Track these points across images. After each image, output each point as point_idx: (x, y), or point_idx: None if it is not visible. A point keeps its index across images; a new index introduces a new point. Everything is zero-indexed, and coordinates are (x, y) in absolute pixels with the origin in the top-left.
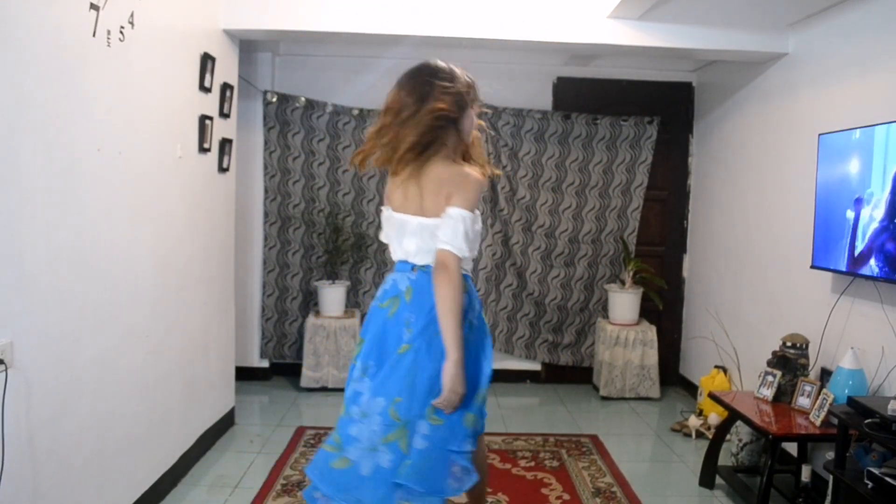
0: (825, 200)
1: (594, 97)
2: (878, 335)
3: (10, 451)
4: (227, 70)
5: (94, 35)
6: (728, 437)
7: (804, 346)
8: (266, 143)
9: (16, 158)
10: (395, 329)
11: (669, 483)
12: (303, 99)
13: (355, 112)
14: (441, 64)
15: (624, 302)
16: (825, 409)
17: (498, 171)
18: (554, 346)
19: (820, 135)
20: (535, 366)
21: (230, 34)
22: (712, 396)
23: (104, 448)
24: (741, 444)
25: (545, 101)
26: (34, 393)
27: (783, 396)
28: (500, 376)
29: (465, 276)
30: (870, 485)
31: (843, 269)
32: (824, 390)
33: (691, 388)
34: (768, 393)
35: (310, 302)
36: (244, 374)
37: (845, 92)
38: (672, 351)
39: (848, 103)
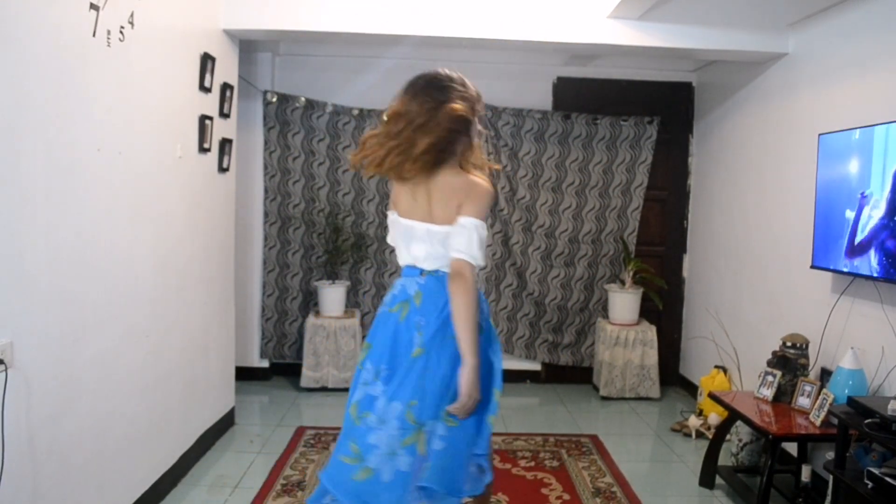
0: (825, 200)
1: (594, 97)
2: (878, 335)
3: (10, 451)
4: (227, 70)
5: (94, 35)
6: (728, 437)
7: (804, 346)
8: (266, 143)
9: (16, 158)
10: (406, 333)
11: (669, 483)
12: (303, 99)
13: (355, 112)
14: (452, 73)
15: (624, 302)
16: (825, 409)
17: (497, 166)
18: (554, 346)
19: (820, 135)
20: (535, 366)
21: (230, 34)
22: (712, 396)
23: (104, 448)
24: (741, 444)
25: (545, 101)
26: (34, 393)
27: (783, 396)
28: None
29: None
30: (870, 485)
31: (843, 257)
32: (824, 390)
33: (691, 388)
34: (768, 393)
35: (310, 302)
36: (244, 374)
37: (845, 92)
38: (672, 351)
39: (848, 103)
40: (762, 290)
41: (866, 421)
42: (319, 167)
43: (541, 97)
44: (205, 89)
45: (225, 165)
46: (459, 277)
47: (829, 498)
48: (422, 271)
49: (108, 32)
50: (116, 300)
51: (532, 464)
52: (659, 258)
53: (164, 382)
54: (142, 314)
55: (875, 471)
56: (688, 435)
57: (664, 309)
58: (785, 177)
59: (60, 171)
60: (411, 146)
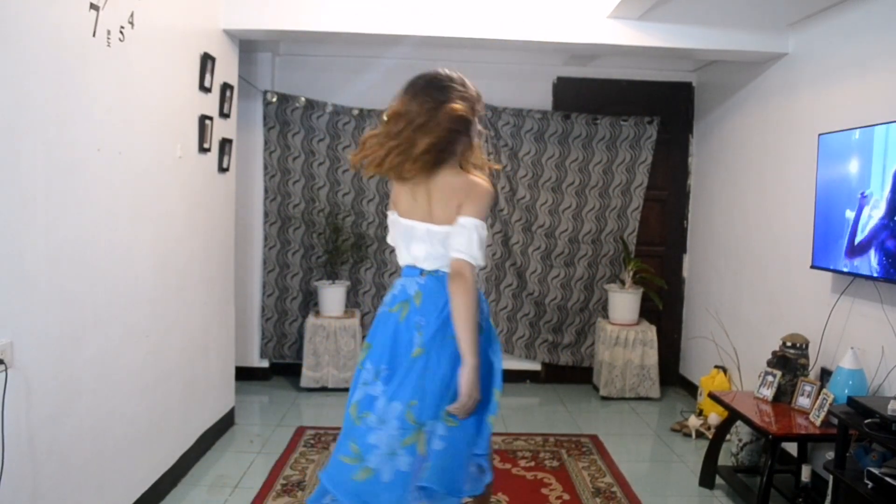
0: (825, 200)
1: (594, 97)
2: (878, 335)
3: (10, 451)
4: (227, 70)
5: (94, 35)
6: (728, 437)
7: (804, 346)
8: (266, 143)
9: (16, 158)
10: (406, 333)
11: (669, 483)
12: (303, 99)
13: (355, 112)
14: (452, 73)
15: (624, 302)
16: (825, 409)
17: (497, 166)
18: (554, 346)
19: (820, 135)
20: (535, 366)
21: (230, 34)
22: (712, 396)
23: (104, 448)
24: (741, 444)
25: (545, 101)
26: (34, 393)
27: (783, 396)
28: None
29: None
30: (870, 485)
31: (843, 257)
32: (824, 390)
33: (691, 388)
34: (768, 393)
35: (310, 302)
36: (244, 374)
37: (845, 92)
38: (672, 351)
39: (848, 103)
40: (762, 290)
41: (866, 421)
42: (319, 167)
43: (541, 97)
44: (205, 89)
45: (225, 165)
46: (459, 277)
47: (829, 498)
48: (422, 271)
49: (108, 32)
50: (116, 300)
51: (532, 464)
52: (659, 258)
53: (164, 382)
54: (142, 314)
55: (875, 471)
56: (688, 435)
57: (664, 309)
58: (785, 177)
59: (60, 171)
60: (411, 146)
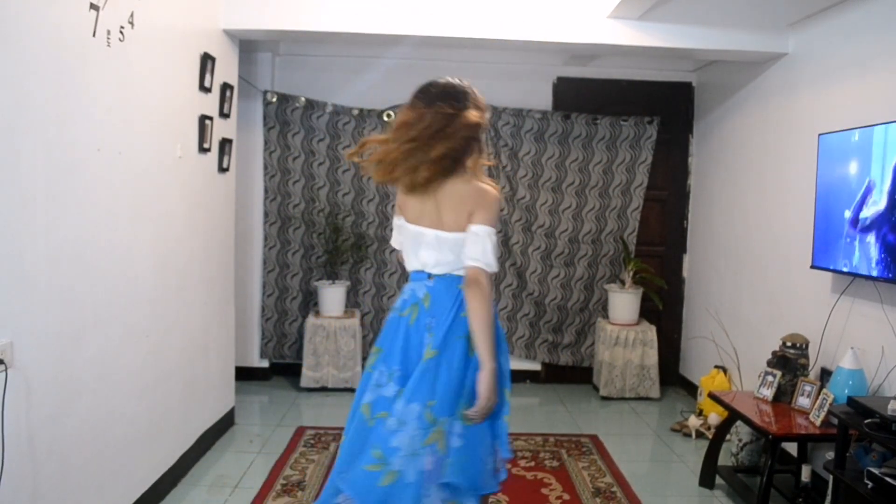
0: (825, 200)
1: (594, 97)
2: (878, 335)
3: (10, 451)
4: (227, 70)
5: (94, 35)
6: (728, 437)
7: (804, 346)
8: (266, 143)
9: (16, 158)
10: (416, 335)
11: (669, 483)
12: (303, 99)
13: (355, 112)
14: (462, 81)
15: (624, 302)
16: (825, 409)
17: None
18: (554, 346)
19: (820, 135)
20: (535, 366)
21: (230, 34)
22: (712, 396)
23: (104, 448)
24: (741, 444)
25: (545, 101)
26: (34, 393)
27: (783, 396)
28: None
29: None
30: (870, 485)
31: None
32: (824, 390)
33: (691, 388)
34: (768, 393)
35: (310, 302)
36: (244, 374)
37: (845, 92)
38: (672, 351)
39: (848, 103)
40: (762, 290)
41: (866, 421)
42: (319, 167)
43: (541, 97)
44: (205, 89)
45: (225, 165)
46: (476, 285)
47: (829, 498)
48: (430, 275)
49: (108, 32)
50: (116, 300)
51: (532, 464)
52: (659, 258)
53: (164, 382)
54: (142, 314)
55: (875, 471)
56: (688, 435)
57: (664, 309)
58: (785, 177)
59: (60, 171)
60: (427, 153)
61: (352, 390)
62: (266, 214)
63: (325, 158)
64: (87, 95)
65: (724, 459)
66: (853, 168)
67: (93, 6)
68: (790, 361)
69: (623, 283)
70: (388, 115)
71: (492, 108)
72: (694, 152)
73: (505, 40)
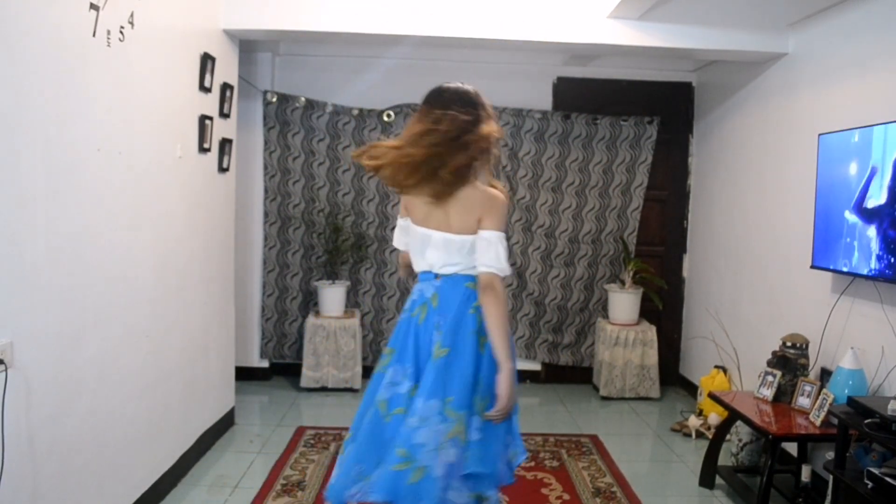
0: (825, 200)
1: (594, 97)
2: (878, 335)
3: (10, 451)
4: (227, 70)
5: (94, 35)
6: (728, 437)
7: (804, 346)
8: (266, 143)
9: (16, 158)
10: (426, 334)
11: (669, 483)
12: (303, 99)
13: (355, 112)
14: (470, 87)
15: (624, 302)
16: (825, 409)
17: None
18: (554, 346)
19: (820, 135)
20: (535, 366)
21: (230, 34)
22: (712, 396)
23: (104, 448)
24: (741, 444)
25: (545, 101)
26: (34, 393)
27: (783, 396)
28: None
29: None
30: (870, 485)
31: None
32: (824, 390)
33: (691, 388)
34: (768, 393)
35: (310, 302)
36: (244, 374)
37: (845, 92)
38: (672, 351)
39: (848, 103)
40: (762, 290)
41: (866, 421)
42: (319, 167)
43: (541, 97)
44: (205, 89)
45: (225, 165)
46: (491, 290)
47: (829, 498)
48: (437, 275)
49: (108, 32)
50: (116, 300)
51: (532, 464)
52: (659, 258)
53: (164, 382)
54: (142, 314)
55: (875, 471)
56: (688, 435)
57: (664, 309)
58: (785, 177)
59: (60, 170)
60: (446, 160)
61: (352, 390)
62: (266, 214)
63: (325, 158)
64: (87, 95)
65: (724, 459)
66: (853, 168)
67: (93, 6)
68: (790, 361)
69: (623, 283)
70: (388, 115)
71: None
72: (694, 152)
73: (505, 40)
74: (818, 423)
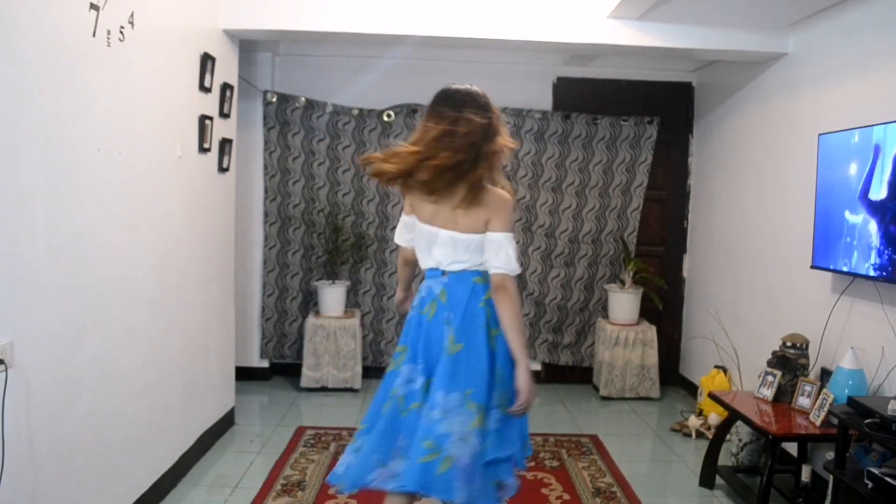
0: (825, 200)
1: (594, 97)
2: (878, 335)
3: (10, 451)
4: (227, 70)
5: (94, 35)
6: (728, 437)
7: (804, 346)
8: (266, 143)
9: (16, 158)
10: (437, 330)
11: (669, 483)
12: (303, 99)
13: (355, 112)
14: (477, 87)
15: (624, 302)
16: (825, 409)
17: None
18: (554, 346)
19: (820, 135)
20: (535, 366)
21: (230, 34)
22: (712, 396)
23: (104, 448)
24: (741, 444)
25: (545, 101)
26: (34, 393)
27: (783, 396)
28: None
29: (489, 287)
30: (870, 485)
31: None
32: (824, 390)
33: (691, 388)
34: (768, 393)
35: (310, 302)
36: (244, 374)
37: (845, 92)
38: (672, 351)
39: (848, 103)
40: (762, 290)
41: (866, 421)
42: (319, 167)
43: (541, 97)
44: (205, 89)
45: (225, 165)
46: (503, 290)
47: (829, 498)
48: (444, 272)
49: (108, 32)
50: (116, 300)
51: (532, 464)
52: (659, 258)
53: (164, 382)
54: (142, 314)
55: (875, 471)
56: (688, 435)
57: (664, 309)
58: (785, 177)
59: (60, 170)
60: (467, 168)
61: (352, 390)
62: (266, 214)
63: (325, 158)
64: (87, 95)
65: (724, 459)
66: (853, 168)
67: (93, 6)
68: (790, 361)
69: (623, 283)
70: (388, 115)
71: None
72: (694, 152)
73: (505, 40)
74: (818, 423)
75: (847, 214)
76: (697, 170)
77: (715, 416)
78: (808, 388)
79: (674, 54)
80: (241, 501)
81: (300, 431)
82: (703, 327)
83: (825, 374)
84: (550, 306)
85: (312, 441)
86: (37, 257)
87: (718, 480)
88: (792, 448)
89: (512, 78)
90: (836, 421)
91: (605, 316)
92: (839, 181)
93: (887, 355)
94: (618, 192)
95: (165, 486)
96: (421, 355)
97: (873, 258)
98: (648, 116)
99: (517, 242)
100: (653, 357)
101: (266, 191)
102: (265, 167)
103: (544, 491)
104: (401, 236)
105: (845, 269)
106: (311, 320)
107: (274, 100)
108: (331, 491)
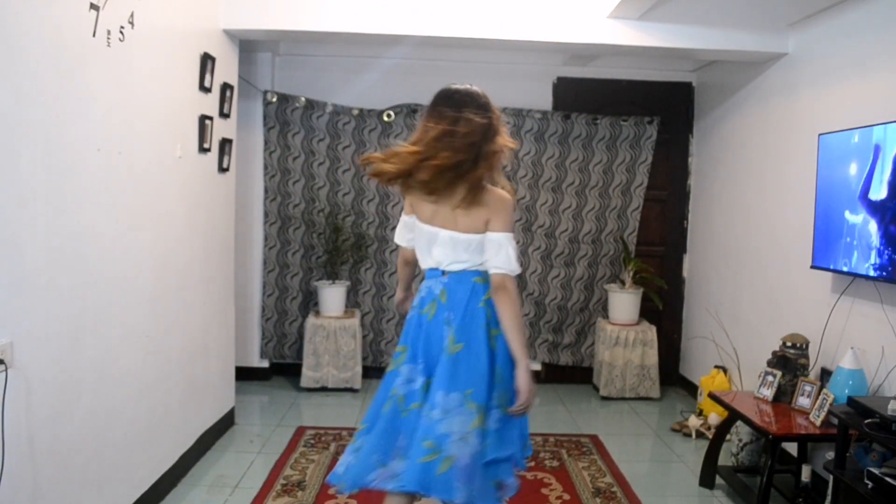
0: (825, 200)
1: (594, 97)
2: (878, 335)
3: (10, 451)
4: (227, 70)
5: (94, 35)
6: (728, 437)
7: (804, 346)
8: (266, 143)
9: (15, 159)
10: (437, 330)
11: (669, 483)
12: (303, 99)
13: (355, 112)
14: (476, 87)
15: (624, 302)
16: (825, 409)
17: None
18: (554, 346)
19: (820, 135)
20: (535, 366)
21: (230, 34)
22: (712, 396)
23: (104, 448)
24: (741, 444)
25: (545, 101)
26: (34, 393)
27: (783, 396)
28: None
29: (489, 287)
30: (870, 485)
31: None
32: (824, 390)
33: (691, 388)
34: (768, 393)
35: (310, 302)
36: (244, 374)
37: (845, 92)
38: (672, 351)
39: (848, 103)
40: (762, 290)
41: (866, 421)
42: (319, 167)
43: (541, 97)
44: (205, 89)
45: (225, 165)
46: (503, 290)
47: (829, 498)
48: (444, 272)
49: (108, 32)
50: (116, 300)
51: (532, 464)
52: (659, 258)
53: (164, 382)
54: (142, 314)
55: (875, 471)
56: (688, 435)
57: (664, 309)
58: (785, 177)
59: (60, 171)
60: (467, 168)
61: (352, 390)
62: (266, 214)
63: (325, 158)
64: (87, 95)
65: (724, 459)
66: (853, 168)
67: (93, 6)
68: (790, 361)
69: (623, 283)
70: (388, 115)
71: None
72: (694, 152)
73: (505, 40)
74: (818, 423)
75: (847, 214)
76: (697, 170)
77: (715, 416)
78: (808, 388)
79: (674, 54)
80: (241, 501)
81: (300, 431)
82: (703, 327)
83: (825, 374)
84: (550, 306)
85: (312, 441)
86: (37, 257)
87: (718, 480)
88: (792, 448)
89: (512, 78)
90: (836, 421)
91: (605, 316)
92: (839, 181)
93: (887, 355)
94: (618, 192)
95: (165, 486)
96: (421, 355)
97: (873, 258)
98: (648, 116)
99: (517, 242)
100: (653, 357)
101: (266, 191)
102: (265, 167)
103: (544, 491)
104: (401, 236)
105: (845, 269)
106: (311, 320)
107: (274, 100)
108: (331, 491)
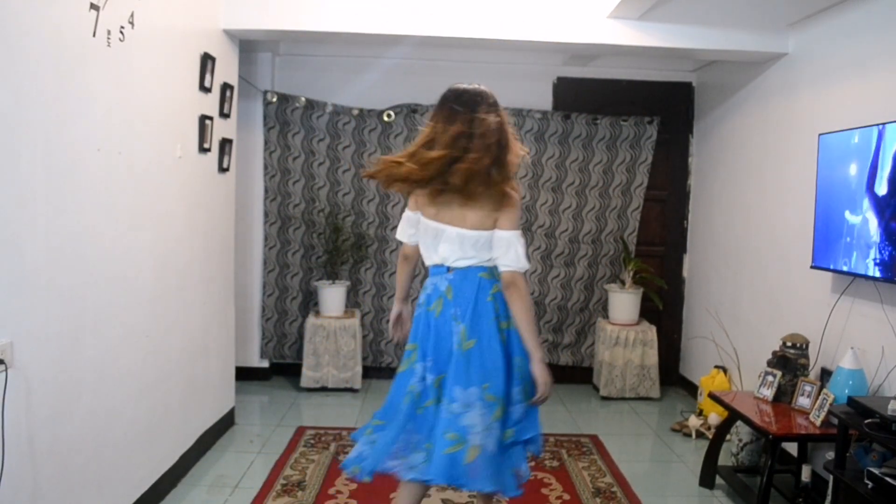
0: (825, 200)
1: (594, 97)
2: (878, 335)
3: (10, 451)
4: (227, 70)
5: (94, 35)
6: (728, 437)
7: (804, 346)
8: (266, 143)
9: (15, 159)
10: (445, 326)
11: (669, 483)
12: (303, 99)
13: (355, 112)
14: (489, 90)
15: (624, 302)
16: (825, 409)
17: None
18: (554, 346)
19: (820, 135)
20: None
21: (230, 34)
22: (712, 396)
23: (104, 448)
24: (741, 444)
25: (545, 101)
26: (34, 393)
27: (783, 396)
28: None
29: (495, 281)
30: (870, 485)
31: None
32: (824, 390)
33: (691, 388)
34: (768, 393)
35: (310, 302)
36: (244, 374)
37: (845, 92)
38: (672, 351)
39: (848, 103)
40: (762, 290)
41: (866, 421)
42: (319, 167)
43: (541, 97)
44: (205, 89)
45: (225, 165)
46: (514, 287)
47: (829, 498)
48: (448, 268)
49: (108, 32)
50: (116, 300)
51: (532, 464)
52: (659, 258)
53: (164, 382)
54: (142, 314)
55: (875, 471)
56: (688, 435)
57: (664, 309)
58: (785, 177)
59: (60, 171)
60: (490, 168)
61: (352, 390)
62: (266, 214)
63: (325, 158)
64: (87, 95)
65: (724, 459)
66: (853, 168)
67: (93, 6)
68: (790, 361)
69: (623, 283)
70: (388, 115)
71: None
72: (694, 152)
73: (505, 40)
74: (818, 423)
75: (847, 214)
76: (697, 170)
77: (715, 416)
78: (808, 388)
79: (674, 54)
80: (241, 501)
81: (300, 431)
82: (703, 327)
83: (825, 374)
84: (550, 306)
85: (312, 441)
86: (37, 257)
87: (718, 480)
88: (792, 448)
89: (512, 78)
90: (836, 421)
91: (605, 316)
92: (839, 181)
93: (887, 355)
94: (618, 192)
95: (165, 486)
96: (430, 352)
97: (873, 257)
98: (648, 116)
99: None
100: (653, 357)
101: (266, 191)
102: (265, 167)
103: (544, 491)
104: (403, 232)
105: (845, 268)
106: (311, 320)
107: (274, 100)
108: (331, 491)
